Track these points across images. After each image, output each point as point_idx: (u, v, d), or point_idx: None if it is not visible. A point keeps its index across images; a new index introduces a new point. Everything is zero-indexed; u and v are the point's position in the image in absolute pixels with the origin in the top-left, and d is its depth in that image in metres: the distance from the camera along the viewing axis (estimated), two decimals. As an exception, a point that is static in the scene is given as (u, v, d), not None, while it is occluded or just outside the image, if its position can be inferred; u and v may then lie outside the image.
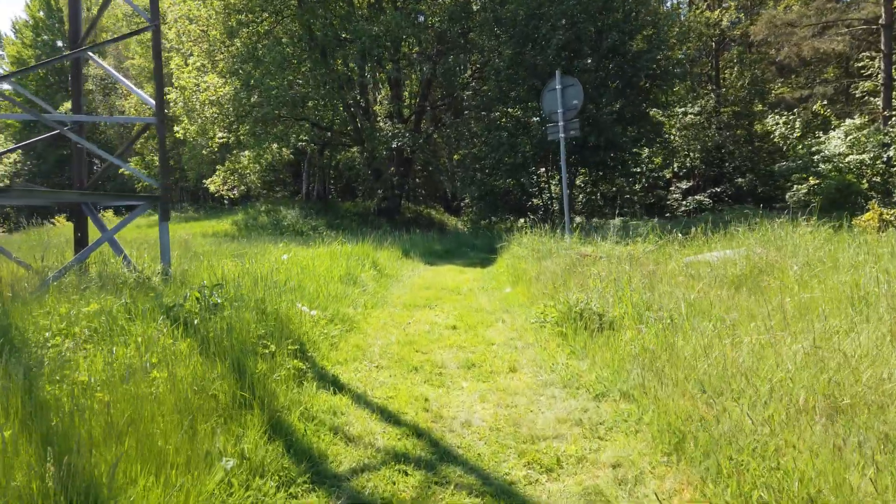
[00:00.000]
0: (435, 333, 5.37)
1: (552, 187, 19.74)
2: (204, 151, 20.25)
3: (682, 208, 23.77)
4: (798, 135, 17.62)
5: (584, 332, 4.51)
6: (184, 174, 31.34)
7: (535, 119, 17.68)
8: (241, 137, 19.47)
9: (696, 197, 23.82)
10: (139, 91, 8.26)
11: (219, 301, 4.67)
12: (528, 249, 8.88)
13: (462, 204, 28.13)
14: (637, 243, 9.35)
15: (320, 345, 4.60)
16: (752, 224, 9.14)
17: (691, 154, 24.64)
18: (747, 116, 24.36)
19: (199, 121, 19.18)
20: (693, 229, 9.04)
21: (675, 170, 25.19)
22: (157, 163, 33.08)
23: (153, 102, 7.81)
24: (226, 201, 30.07)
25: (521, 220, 21.37)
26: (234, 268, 7.25)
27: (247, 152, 20.97)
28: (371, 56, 19.61)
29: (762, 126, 24.53)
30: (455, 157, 26.12)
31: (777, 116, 18.45)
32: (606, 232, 10.91)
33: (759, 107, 24.08)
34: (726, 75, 26.00)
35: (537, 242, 9.05)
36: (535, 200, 21.60)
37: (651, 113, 18.99)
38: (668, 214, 21.99)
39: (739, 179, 23.81)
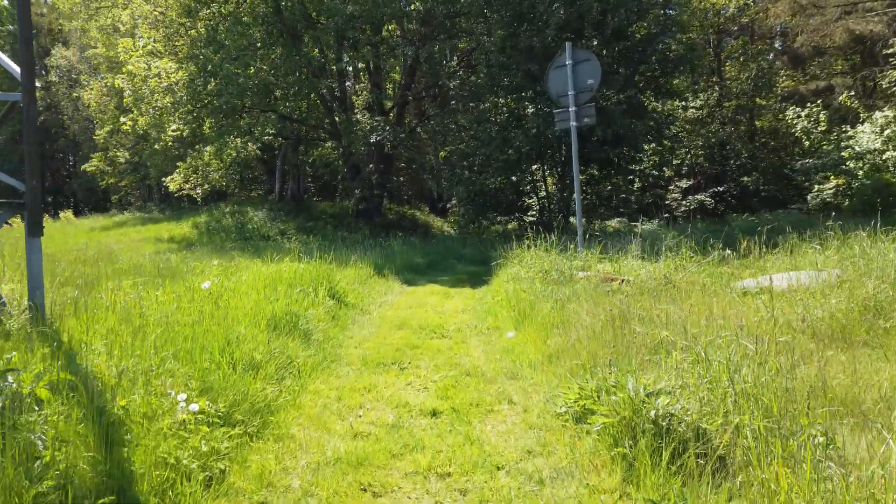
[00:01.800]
0: (402, 431, 3.30)
1: (548, 186, 17.70)
2: (157, 146, 17.92)
3: (682, 208, 22.14)
4: (823, 129, 15.78)
5: (672, 467, 2.45)
6: (147, 171, 28.73)
7: (530, 110, 15.62)
8: (205, 130, 17.21)
9: (697, 196, 22.18)
10: (2, 56, 6.05)
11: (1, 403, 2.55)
12: (534, 270, 6.82)
13: (449, 205, 26.03)
14: (668, 259, 7.37)
15: (183, 488, 2.50)
16: (818, 235, 7.20)
17: (693, 151, 22.98)
18: (751, 110, 22.64)
19: (151, 111, 16.85)
20: (743, 241, 7.06)
21: (676, 167, 23.38)
22: (118, 159, 30.42)
23: (17, 69, 5.63)
24: (199, 200, 27.51)
25: (514, 224, 19.41)
26: (130, 303, 5.14)
27: (208, 148, 18.68)
28: (348, 40, 17.48)
29: (763, 121, 22.84)
30: (441, 153, 24.00)
31: (798, 109, 16.60)
32: (623, 241, 8.90)
33: (766, 101, 22.37)
34: (727, 67, 24.23)
35: (546, 262, 6.97)
36: (527, 200, 19.57)
37: (651, 105, 17.06)
38: (667, 215, 20.26)
39: (745, 178, 22.14)
